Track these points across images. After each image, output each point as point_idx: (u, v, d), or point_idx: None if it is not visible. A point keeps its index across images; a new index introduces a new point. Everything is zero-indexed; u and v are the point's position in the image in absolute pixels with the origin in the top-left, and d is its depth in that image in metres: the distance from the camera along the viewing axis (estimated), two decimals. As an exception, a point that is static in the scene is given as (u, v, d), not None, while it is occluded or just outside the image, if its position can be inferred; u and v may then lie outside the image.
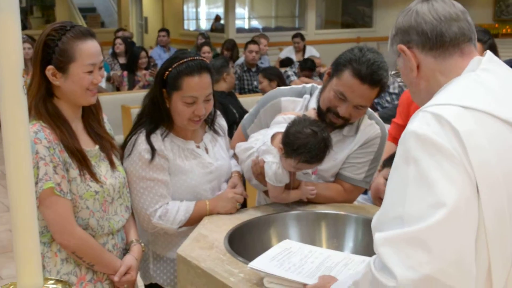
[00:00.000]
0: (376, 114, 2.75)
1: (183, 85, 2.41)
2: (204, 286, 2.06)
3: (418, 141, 1.41)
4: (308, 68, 7.99)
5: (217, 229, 2.36)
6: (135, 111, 6.23)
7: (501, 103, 1.48)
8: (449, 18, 1.59)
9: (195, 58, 2.47)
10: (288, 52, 10.57)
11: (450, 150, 1.37)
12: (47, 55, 2.17)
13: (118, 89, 8.07)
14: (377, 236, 1.40)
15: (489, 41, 3.02)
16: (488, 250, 1.39)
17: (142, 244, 2.48)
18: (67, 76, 2.19)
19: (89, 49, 2.21)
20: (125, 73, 7.98)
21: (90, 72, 2.21)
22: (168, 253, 2.58)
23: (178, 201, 2.51)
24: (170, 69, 2.44)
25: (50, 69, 2.18)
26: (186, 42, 14.37)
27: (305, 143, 2.35)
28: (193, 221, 2.47)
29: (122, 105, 6.50)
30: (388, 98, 5.45)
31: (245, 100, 6.61)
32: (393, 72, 1.92)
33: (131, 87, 7.84)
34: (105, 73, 7.97)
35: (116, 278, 2.31)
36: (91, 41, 2.23)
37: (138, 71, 7.92)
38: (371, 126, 2.64)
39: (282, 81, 6.82)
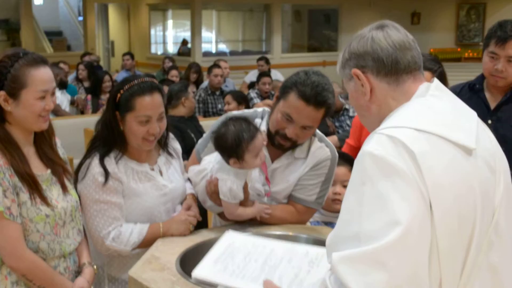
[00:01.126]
0: (325, 137, 2.81)
1: (136, 105, 2.46)
2: (155, 308, 2.08)
3: (374, 162, 1.45)
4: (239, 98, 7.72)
5: (170, 250, 2.38)
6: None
7: (450, 127, 1.54)
8: (403, 47, 1.64)
9: (145, 79, 2.52)
10: (253, 75, 10.60)
11: (405, 171, 1.42)
12: None
13: (82, 112, 8.05)
14: (335, 255, 1.42)
15: (438, 70, 3.12)
16: (440, 267, 1.44)
17: (95, 267, 2.49)
18: (18, 103, 2.21)
19: (42, 76, 2.23)
20: (89, 96, 7.97)
21: (42, 98, 2.23)
22: (123, 275, 2.58)
23: (132, 224, 2.53)
24: (121, 91, 2.49)
25: (1, 95, 2.20)
26: (153, 65, 14.38)
27: (233, 134, 2.45)
28: (147, 243, 2.49)
29: (85, 128, 6.49)
30: (348, 122, 5.56)
31: (209, 123, 6.62)
32: (342, 95, 1.96)
33: (95, 110, 7.83)
34: (69, 97, 7.98)
35: None
36: (44, 68, 2.25)
37: (102, 94, 7.93)
38: (321, 149, 2.70)
39: (248, 105, 6.87)
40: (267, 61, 10.71)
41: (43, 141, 2.37)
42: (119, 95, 2.50)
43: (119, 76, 10.21)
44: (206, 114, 7.99)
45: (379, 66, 1.64)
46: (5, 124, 2.25)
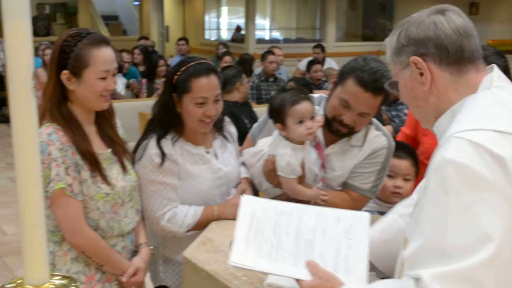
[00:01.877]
0: (382, 126, 2.78)
1: (192, 87, 2.49)
2: (210, 289, 2.10)
3: (457, 171, 1.35)
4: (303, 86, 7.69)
5: (224, 233, 2.40)
6: (153, 118, 6.33)
7: None
8: (468, 33, 1.55)
9: (201, 61, 2.55)
10: (306, 63, 10.56)
11: (492, 180, 1.33)
12: (63, 60, 2.25)
13: (137, 96, 8.16)
14: (426, 274, 1.34)
15: (503, 64, 3.02)
16: None
17: (151, 247, 2.53)
18: (81, 82, 2.26)
19: (104, 56, 2.28)
20: (144, 80, 8.07)
21: (104, 78, 2.28)
22: (177, 256, 2.63)
23: (186, 206, 2.56)
24: (178, 73, 2.52)
25: (65, 74, 2.25)
26: (206, 51, 14.44)
27: (277, 98, 2.53)
28: (201, 226, 2.52)
29: (140, 112, 6.58)
30: (406, 111, 5.45)
31: (262, 110, 6.62)
32: (388, 82, 1.88)
33: (149, 94, 7.93)
34: (125, 80, 8.09)
35: (124, 279, 2.37)
36: (106, 48, 2.29)
37: (157, 79, 8.00)
38: (378, 137, 2.68)
39: (311, 91, 6.79)
40: (323, 49, 10.58)
41: (104, 120, 2.42)
42: (176, 77, 2.52)
43: (174, 61, 10.27)
44: (259, 101, 7.98)
45: (442, 54, 1.54)
46: (67, 103, 2.31)
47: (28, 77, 1.30)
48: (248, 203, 2.01)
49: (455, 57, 1.54)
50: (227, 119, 2.81)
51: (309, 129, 2.48)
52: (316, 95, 2.84)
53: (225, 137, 2.75)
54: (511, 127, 1.42)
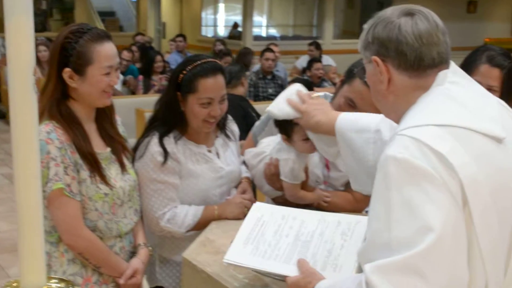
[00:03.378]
0: None
1: (198, 87, 2.43)
2: (209, 291, 2.06)
3: (398, 166, 1.38)
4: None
5: (224, 234, 2.35)
6: (149, 114, 6.25)
7: (476, 117, 1.48)
8: (430, 42, 1.55)
9: (208, 60, 2.49)
10: (304, 60, 10.54)
11: (431, 172, 1.35)
12: (64, 57, 2.18)
13: (133, 92, 8.11)
14: (367, 267, 1.37)
15: (508, 66, 2.95)
16: (485, 268, 1.39)
17: (150, 248, 2.48)
18: (84, 79, 2.20)
19: (107, 52, 2.22)
20: (141, 77, 8.01)
21: (107, 74, 2.22)
22: (174, 256, 2.58)
23: (186, 205, 2.52)
24: (184, 72, 2.46)
25: (67, 72, 2.19)
26: (203, 48, 14.40)
27: None
28: (201, 226, 2.47)
29: (136, 108, 6.52)
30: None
31: (259, 107, 6.60)
32: (358, 69, 1.89)
33: (146, 91, 7.88)
34: (121, 77, 8.04)
35: (122, 281, 2.31)
36: (108, 43, 2.24)
37: (154, 75, 7.95)
38: None
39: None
40: (317, 46, 10.60)
41: (104, 118, 2.37)
42: (181, 75, 2.46)
43: (171, 57, 10.25)
44: (256, 98, 7.95)
45: (401, 59, 1.55)
46: (68, 100, 2.25)
47: (29, 73, 1.27)
48: (258, 209, 2.08)
49: (414, 63, 1.55)
50: (229, 117, 2.75)
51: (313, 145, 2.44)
52: (321, 93, 2.79)
53: (227, 136, 2.70)
54: (458, 119, 1.45)
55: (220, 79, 2.47)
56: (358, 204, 2.67)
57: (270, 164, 2.51)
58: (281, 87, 8.18)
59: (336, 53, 13.07)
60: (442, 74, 1.56)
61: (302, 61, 10.62)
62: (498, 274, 1.43)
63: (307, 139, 2.39)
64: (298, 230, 1.98)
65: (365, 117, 2.06)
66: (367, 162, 1.98)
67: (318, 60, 8.83)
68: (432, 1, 15.21)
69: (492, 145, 1.46)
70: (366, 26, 1.66)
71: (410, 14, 1.58)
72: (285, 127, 2.40)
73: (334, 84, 8.34)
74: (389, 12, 1.62)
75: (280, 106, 2.26)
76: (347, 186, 2.68)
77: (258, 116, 5.48)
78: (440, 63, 1.57)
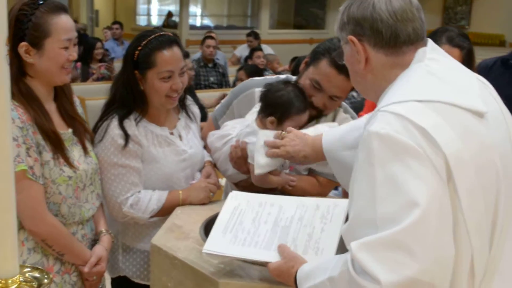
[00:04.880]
0: (350, 109, 2.71)
1: (157, 61, 2.34)
2: (182, 277, 1.97)
3: (381, 142, 1.38)
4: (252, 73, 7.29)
5: (191, 219, 2.29)
6: (90, 103, 6.10)
7: (457, 92, 1.50)
8: (405, 18, 1.56)
9: (162, 33, 2.40)
10: (243, 50, 10.54)
11: (415, 148, 1.35)
12: (20, 31, 2.05)
13: (72, 81, 7.88)
14: (353, 244, 1.36)
15: (468, 47, 3.01)
16: (471, 242, 1.39)
17: (112, 235, 2.38)
18: (42, 53, 2.08)
19: (65, 24, 2.11)
20: (79, 64, 7.78)
21: (66, 48, 2.11)
22: (138, 244, 2.48)
23: (150, 190, 2.42)
24: (139, 48, 2.36)
25: (23, 46, 2.06)
26: (138, 35, 14.17)
27: (289, 96, 2.39)
28: (165, 211, 2.39)
29: (77, 96, 6.34)
30: (354, 94, 5.43)
31: (201, 95, 6.53)
32: (335, 52, 1.90)
33: (84, 79, 7.66)
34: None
35: (86, 269, 2.21)
36: (65, 15, 2.13)
37: (93, 63, 7.75)
38: (346, 120, 2.59)
39: None
40: (255, 36, 10.65)
41: (64, 98, 2.25)
42: (137, 52, 2.36)
43: (108, 45, 10.00)
44: (198, 87, 7.86)
45: (376, 37, 1.57)
46: (26, 78, 2.11)
47: (1, 44, 1.18)
48: (235, 198, 2.05)
49: (390, 40, 1.56)
50: (190, 98, 2.66)
51: None
52: (282, 75, 2.75)
53: (189, 116, 2.61)
54: (439, 95, 1.46)
55: (177, 51, 2.39)
56: (323, 188, 2.64)
57: (237, 147, 2.44)
58: (223, 75, 8.12)
59: (273, 43, 13.11)
60: (421, 51, 1.57)
61: (241, 50, 10.63)
62: (483, 250, 1.43)
63: (296, 126, 2.37)
64: (277, 216, 1.95)
65: (350, 133, 2.03)
66: None
67: (259, 49, 8.83)
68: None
69: (475, 121, 1.46)
70: (341, 8, 1.67)
71: None
72: (284, 112, 2.37)
73: (276, 73, 8.33)
74: None
75: (261, 163, 2.26)
76: (310, 170, 2.65)
77: (201, 106, 5.40)
78: (416, 40, 1.59)
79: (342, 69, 2.33)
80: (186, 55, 5.60)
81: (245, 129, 2.46)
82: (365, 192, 1.40)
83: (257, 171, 2.28)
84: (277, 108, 2.38)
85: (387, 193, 1.35)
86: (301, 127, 2.41)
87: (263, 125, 2.43)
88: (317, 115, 2.52)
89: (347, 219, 2.08)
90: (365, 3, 1.58)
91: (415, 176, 1.33)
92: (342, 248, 1.74)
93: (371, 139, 1.40)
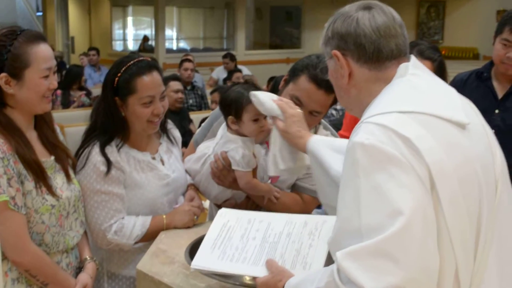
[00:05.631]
0: (330, 126, 2.74)
1: (137, 87, 2.34)
2: (169, 302, 1.97)
3: (365, 152, 1.39)
4: None
5: (175, 243, 2.28)
6: (70, 130, 6.08)
7: (439, 104, 1.52)
8: (388, 34, 1.59)
9: (140, 59, 2.41)
10: (220, 71, 10.59)
11: (399, 157, 1.37)
12: None
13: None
14: (338, 254, 1.37)
15: (438, 59, 3.06)
16: (454, 253, 1.40)
17: (97, 262, 2.37)
18: (22, 83, 2.08)
19: (44, 53, 2.11)
20: (59, 91, 7.75)
21: (46, 76, 2.11)
22: (123, 270, 2.46)
23: (133, 216, 2.41)
24: (119, 75, 2.36)
25: (3, 77, 2.06)
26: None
27: (237, 91, 2.42)
28: (149, 236, 2.38)
29: (56, 123, 6.30)
30: (333, 112, 5.46)
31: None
32: (321, 67, 1.99)
33: (66, 106, 7.63)
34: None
35: None
36: (44, 44, 2.13)
37: (72, 90, 7.74)
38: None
39: None
40: (231, 58, 10.70)
41: (44, 125, 2.24)
42: (116, 79, 2.36)
43: (85, 72, 9.98)
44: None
45: (360, 52, 1.59)
46: (5, 108, 2.11)
47: None
48: (223, 215, 2.06)
49: (373, 55, 1.59)
50: (170, 122, 2.67)
51: (262, 127, 2.42)
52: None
53: (170, 140, 2.62)
54: (422, 106, 1.48)
55: (157, 76, 2.40)
56: (306, 206, 2.64)
57: (217, 160, 2.46)
58: (202, 97, 8.13)
59: (250, 63, 13.19)
60: (403, 66, 1.59)
61: (218, 72, 10.67)
62: (468, 261, 1.44)
63: (256, 119, 2.40)
64: (265, 232, 1.96)
65: (337, 141, 2.08)
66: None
67: (238, 70, 8.88)
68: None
69: (457, 132, 1.48)
70: (326, 24, 1.70)
71: (367, 8, 1.62)
72: (236, 106, 2.39)
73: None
74: (347, 8, 1.67)
75: (266, 98, 2.20)
76: (294, 188, 2.66)
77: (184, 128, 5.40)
78: (399, 55, 1.61)
79: (321, 84, 2.36)
80: (166, 81, 5.64)
81: (219, 141, 2.49)
82: (350, 202, 1.40)
83: (257, 93, 2.24)
84: (230, 106, 2.41)
85: (372, 203, 1.36)
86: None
87: (232, 131, 2.45)
88: None
89: None
90: (349, 19, 1.61)
91: (399, 185, 1.35)
92: (329, 262, 1.75)
93: (355, 150, 1.41)
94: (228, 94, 2.44)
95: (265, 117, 2.40)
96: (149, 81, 2.35)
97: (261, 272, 1.77)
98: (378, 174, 1.36)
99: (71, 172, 2.29)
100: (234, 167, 2.41)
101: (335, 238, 1.46)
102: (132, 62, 2.37)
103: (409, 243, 1.31)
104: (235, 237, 1.95)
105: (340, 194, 1.46)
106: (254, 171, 2.47)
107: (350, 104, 1.70)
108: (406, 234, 1.31)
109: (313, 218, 2.00)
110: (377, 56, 1.58)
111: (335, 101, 2.47)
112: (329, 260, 1.73)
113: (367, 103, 1.59)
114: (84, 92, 7.81)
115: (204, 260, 1.86)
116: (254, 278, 1.77)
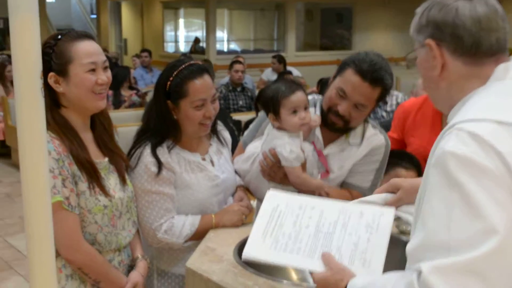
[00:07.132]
0: (378, 124, 2.74)
1: (189, 90, 2.38)
2: (217, 300, 2.00)
3: (458, 163, 1.30)
4: None
5: (224, 242, 2.31)
6: (122, 129, 6.18)
7: None
8: (489, 27, 1.46)
9: (192, 62, 2.45)
10: (269, 73, 10.62)
11: (494, 171, 1.28)
12: (47, 63, 2.08)
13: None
14: (425, 266, 1.29)
15: None
16: None
17: (148, 260, 2.41)
18: (69, 80, 2.12)
19: (86, 48, 2.14)
20: (110, 92, 7.92)
21: (92, 71, 2.13)
22: (173, 268, 2.51)
23: (183, 215, 2.45)
24: (171, 79, 2.40)
25: (51, 76, 2.11)
26: (167, 64, 14.32)
27: (273, 88, 2.49)
28: (199, 235, 2.42)
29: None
30: (384, 114, 5.41)
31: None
32: (408, 54, 1.82)
33: (116, 106, 7.78)
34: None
35: None
36: (88, 41, 2.16)
37: (122, 90, 7.88)
38: (376, 136, 2.64)
39: None
40: (280, 59, 10.71)
41: (101, 127, 2.29)
42: (168, 82, 2.41)
43: (136, 73, 10.17)
44: (227, 110, 7.93)
45: (457, 44, 1.47)
46: (60, 109, 2.16)
47: (37, 75, 1.21)
48: (272, 198, 1.96)
49: (470, 49, 1.47)
50: (221, 124, 2.71)
51: (303, 119, 2.44)
52: (309, 96, 2.78)
53: (220, 141, 2.65)
54: None
55: (208, 79, 2.43)
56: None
57: (266, 157, 2.50)
58: (251, 98, 8.18)
59: (299, 65, 13.17)
60: (502, 67, 1.48)
61: (267, 74, 10.69)
62: None
63: (294, 111, 2.43)
64: (318, 220, 1.86)
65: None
66: None
67: (289, 72, 8.89)
68: (392, 13, 15.37)
69: None
70: (418, 10, 1.58)
71: None
72: (273, 102, 2.44)
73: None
74: None
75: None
76: (343, 185, 2.68)
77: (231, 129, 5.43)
78: (498, 52, 1.49)
79: (366, 77, 2.39)
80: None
81: (267, 138, 2.52)
82: (438, 213, 1.32)
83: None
84: (268, 104, 2.47)
85: (463, 216, 1.28)
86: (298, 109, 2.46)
87: (276, 128, 2.50)
88: (344, 128, 2.55)
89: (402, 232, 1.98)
90: (447, 8, 1.49)
91: (493, 200, 1.26)
92: (387, 261, 1.72)
93: (447, 159, 1.32)
94: (265, 92, 2.50)
95: (304, 107, 2.44)
96: (201, 85, 2.39)
97: (318, 266, 1.69)
98: (472, 187, 1.28)
99: (126, 175, 2.33)
100: (283, 163, 2.44)
101: (417, 248, 1.36)
102: (183, 66, 2.42)
103: (502, 264, 1.25)
104: (287, 224, 1.85)
105: (426, 203, 1.38)
106: (304, 166, 2.49)
107: (438, 98, 1.59)
108: (500, 254, 1.24)
109: (369, 209, 1.90)
110: (475, 50, 1.46)
111: (382, 97, 2.47)
112: (387, 259, 1.70)
113: (457, 99, 1.50)
114: (134, 91, 7.93)
115: (256, 250, 1.78)
116: (310, 272, 1.69)
